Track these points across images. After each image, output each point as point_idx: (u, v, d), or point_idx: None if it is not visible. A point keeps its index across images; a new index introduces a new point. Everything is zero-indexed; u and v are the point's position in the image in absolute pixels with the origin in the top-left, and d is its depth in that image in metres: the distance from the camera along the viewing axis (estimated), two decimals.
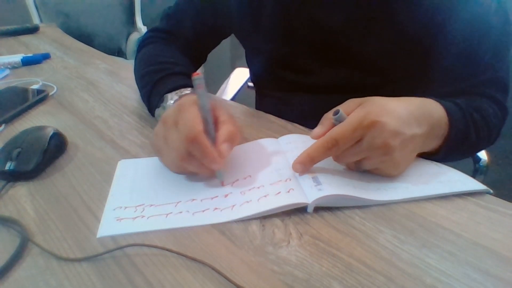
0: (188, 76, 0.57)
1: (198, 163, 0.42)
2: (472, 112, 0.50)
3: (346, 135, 0.40)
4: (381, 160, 0.42)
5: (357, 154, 0.42)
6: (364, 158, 0.42)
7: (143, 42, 0.73)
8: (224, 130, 0.43)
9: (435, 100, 0.47)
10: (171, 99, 0.53)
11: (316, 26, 0.59)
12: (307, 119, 0.45)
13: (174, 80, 0.57)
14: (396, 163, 0.43)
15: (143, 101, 0.64)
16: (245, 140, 0.54)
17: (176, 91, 0.54)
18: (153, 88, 0.58)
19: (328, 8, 0.57)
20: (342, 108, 0.43)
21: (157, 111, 0.56)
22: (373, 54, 0.57)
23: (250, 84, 1.20)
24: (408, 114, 0.42)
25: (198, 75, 0.41)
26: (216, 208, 0.40)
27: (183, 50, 0.69)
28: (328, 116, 0.44)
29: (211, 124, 0.43)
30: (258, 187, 0.42)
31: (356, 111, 0.41)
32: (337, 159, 0.43)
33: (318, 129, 0.44)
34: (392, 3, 0.53)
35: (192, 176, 0.46)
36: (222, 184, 0.44)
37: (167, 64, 0.62)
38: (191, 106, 0.42)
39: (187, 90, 0.54)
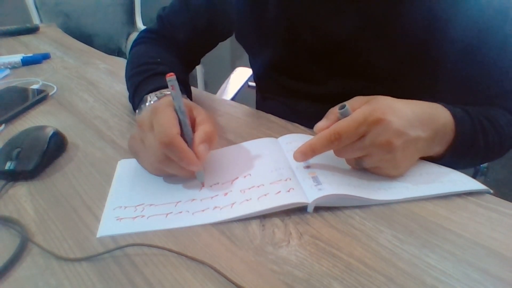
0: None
1: (176, 166, 0.41)
2: (482, 120, 0.50)
3: (349, 130, 0.40)
4: (382, 158, 0.42)
5: (359, 150, 0.42)
6: (365, 155, 0.42)
7: (134, 43, 0.72)
8: (200, 131, 0.42)
9: (443, 105, 0.47)
10: (150, 100, 0.52)
11: (321, 35, 0.58)
12: (310, 126, 0.44)
13: (155, 81, 0.56)
14: (396, 163, 0.43)
15: (130, 103, 0.63)
16: (245, 140, 0.54)
17: (156, 92, 0.53)
18: (136, 90, 0.58)
19: (333, 17, 0.56)
20: (349, 104, 0.43)
21: (137, 113, 0.55)
22: (379, 63, 0.56)
23: (251, 83, 1.20)
24: (413, 116, 0.42)
25: (171, 76, 0.40)
26: (216, 207, 0.40)
27: (174, 52, 0.69)
28: (334, 111, 0.44)
29: (188, 125, 0.42)
30: (258, 186, 0.42)
31: (363, 107, 0.41)
32: (338, 153, 0.43)
33: (322, 123, 0.44)
34: (398, 11, 0.52)
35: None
36: (203, 185, 0.44)
37: (151, 65, 0.61)
38: (166, 108, 0.42)
39: (167, 91, 0.53)
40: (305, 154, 0.43)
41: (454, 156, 0.47)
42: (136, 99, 0.57)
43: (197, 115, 0.45)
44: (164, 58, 0.64)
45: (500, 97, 0.54)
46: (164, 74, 0.57)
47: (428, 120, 0.44)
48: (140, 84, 0.57)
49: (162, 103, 0.43)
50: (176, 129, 0.40)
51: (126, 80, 0.65)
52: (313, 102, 0.63)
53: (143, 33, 0.74)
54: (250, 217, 0.39)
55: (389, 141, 0.40)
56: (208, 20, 0.68)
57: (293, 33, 0.60)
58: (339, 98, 0.48)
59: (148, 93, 0.53)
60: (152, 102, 0.51)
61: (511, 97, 0.54)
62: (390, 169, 0.44)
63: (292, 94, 0.66)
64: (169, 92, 0.52)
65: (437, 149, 0.47)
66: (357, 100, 0.44)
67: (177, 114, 0.42)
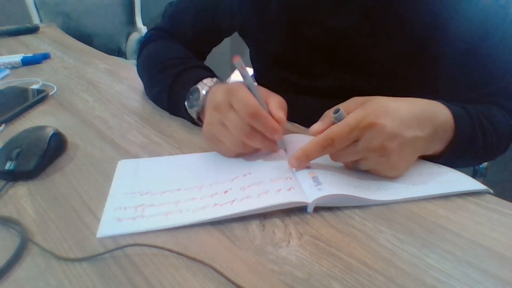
0: (206, 68, 0.61)
1: (261, 138, 0.44)
2: (480, 118, 0.49)
3: (342, 136, 0.40)
4: (378, 161, 0.42)
5: (353, 154, 0.42)
6: (361, 159, 0.43)
7: (147, 40, 0.73)
8: (274, 101, 0.45)
9: (442, 102, 0.47)
10: (202, 89, 0.53)
11: (322, 28, 0.58)
12: (310, 122, 0.45)
13: (197, 72, 0.58)
14: (393, 165, 0.43)
15: (156, 95, 0.65)
16: None
17: (204, 81, 0.54)
18: (175, 81, 0.59)
19: (335, 10, 0.56)
20: (344, 106, 0.43)
21: (188, 103, 0.56)
22: (380, 58, 0.57)
23: None
24: (410, 116, 0.42)
25: (238, 59, 0.43)
26: (216, 204, 0.40)
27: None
28: (329, 114, 0.44)
29: (262, 99, 0.45)
30: (258, 183, 0.42)
31: (356, 111, 0.41)
32: (334, 157, 0.44)
33: (317, 125, 0.44)
34: (399, 8, 0.52)
35: (191, 175, 0.46)
36: (286, 152, 0.47)
37: (183, 59, 0.63)
38: (240, 87, 0.44)
39: (215, 80, 0.54)
40: (299, 160, 0.43)
41: (454, 154, 0.47)
42: (177, 88, 0.58)
43: (262, 90, 0.47)
44: (190, 53, 0.67)
45: (498, 96, 0.54)
46: (201, 67, 0.60)
47: (427, 118, 0.43)
48: (181, 75, 0.59)
49: (233, 84, 0.45)
50: (256, 102, 0.42)
51: (153, 72, 0.65)
52: (313, 97, 0.64)
53: (154, 31, 0.75)
54: (250, 215, 0.39)
55: (382, 145, 0.40)
56: (214, 16, 0.69)
57: (295, 28, 0.60)
58: (339, 92, 0.48)
59: (195, 83, 0.54)
60: (204, 91, 0.53)
61: (509, 95, 0.54)
62: (387, 171, 0.44)
63: (293, 89, 0.66)
64: (215, 81, 0.54)
65: (437, 147, 0.47)
66: (352, 102, 0.44)
67: (250, 90, 0.44)
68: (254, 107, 0.42)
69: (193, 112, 0.55)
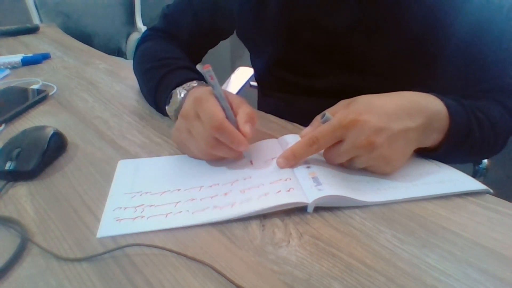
0: (192, 69, 0.60)
1: (226, 148, 0.44)
2: (474, 111, 0.49)
3: (325, 134, 0.42)
4: (370, 157, 0.42)
5: (344, 153, 0.42)
6: (355, 157, 0.43)
7: (142, 40, 0.73)
8: (242, 113, 0.45)
9: (435, 95, 0.47)
10: (180, 94, 0.53)
11: (320, 28, 0.58)
12: (309, 122, 0.45)
13: (179, 74, 0.57)
14: (386, 160, 0.43)
15: (147, 96, 0.65)
16: None
17: (184, 85, 0.54)
18: (159, 83, 0.59)
19: (332, 10, 0.56)
20: (332, 109, 0.45)
21: (168, 108, 0.56)
22: (377, 57, 0.57)
23: (253, 83, 1.20)
24: (396, 109, 0.42)
25: (208, 68, 0.43)
26: (215, 207, 0.40)
27: (182, 50, 0.69)
28: (318, 118, 0.45)
29: (230, 110, 0.45)
30: (258, 186, 0.42)
31: (340, 112, 0.42)
32: (328, 160, 0.45)
33: (306, 129, 0.46)
34: (397, 6, 0.52)
35: (191, 176, 0.46)
36: (251, 163, 0.47)
37: (170, 60, 0.62)
38: (208, 96, 0.44)
39: (194, 83, 0.54)
40: (287, 159, 0.44)
41: (451, 146, 0.46)
42: (160, 93, 0.58)
43: (232, 100, 0.47)
44: (179, 53, 0.66)
45: (494, 91, 0.54)
46: (185, 68, 0.60)
47: (418, 109, 0.43)
48: (165, 77, 0.58)
49: (202, 93, 0.45)
50: (222, 114, 0.42)
51: (142, 73, 0.65)
52: (313, 97, 0.64)
53: (150, 31, 0.75)
54: (250, 216, 0.39)
55: (369, 141, 0.40)
56: (212, 19, 0.69)
57: (293, 29, 0.61)
58: (339, 92, 0.48)
59: (176, 86, 0.55)
60: (182, 95, 0.53)
61: (505, 91, 0.54)
62: (382, 166, 0.44)
63: (293, 89, 0.67)
64: (195, 84, 0.55)
65: (434, 137, 0.46)
66: (339, 104, 0.45)
67: (218, 101, 0.44)
68: (219, 121, 0.41)
69: (172, 116, 0.56)
